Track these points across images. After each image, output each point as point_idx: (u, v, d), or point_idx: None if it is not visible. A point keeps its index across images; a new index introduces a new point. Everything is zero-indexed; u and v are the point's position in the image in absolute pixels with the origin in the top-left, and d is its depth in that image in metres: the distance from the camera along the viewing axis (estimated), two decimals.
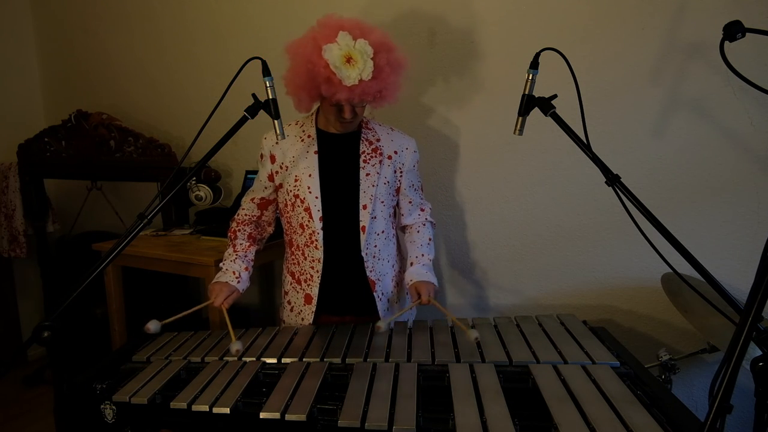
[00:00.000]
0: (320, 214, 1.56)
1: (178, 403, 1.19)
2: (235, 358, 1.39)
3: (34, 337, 1.02)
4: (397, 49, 1.46)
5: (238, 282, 1.59)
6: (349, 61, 1.37)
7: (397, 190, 1.66)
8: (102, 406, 1.25)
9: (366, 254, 1.60)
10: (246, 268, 1.63)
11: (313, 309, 1.61)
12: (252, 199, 1.70)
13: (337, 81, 1.38)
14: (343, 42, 1.36)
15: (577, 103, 1.25)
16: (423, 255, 1.66)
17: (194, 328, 1.63)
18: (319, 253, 1.58)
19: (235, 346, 1.35)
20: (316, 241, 1.57)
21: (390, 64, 1.43)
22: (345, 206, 1.58)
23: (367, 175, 1.57)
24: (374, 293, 1.62)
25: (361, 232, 1.57)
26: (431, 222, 1.75)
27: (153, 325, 1.40)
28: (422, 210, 1.73)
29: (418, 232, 1.71)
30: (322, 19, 1.44)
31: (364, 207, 1.57)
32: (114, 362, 1.44)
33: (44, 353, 3.13)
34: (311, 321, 1.62)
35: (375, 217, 1.59)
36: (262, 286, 2.66)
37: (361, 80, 1.38)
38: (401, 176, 1.64)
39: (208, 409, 1.17)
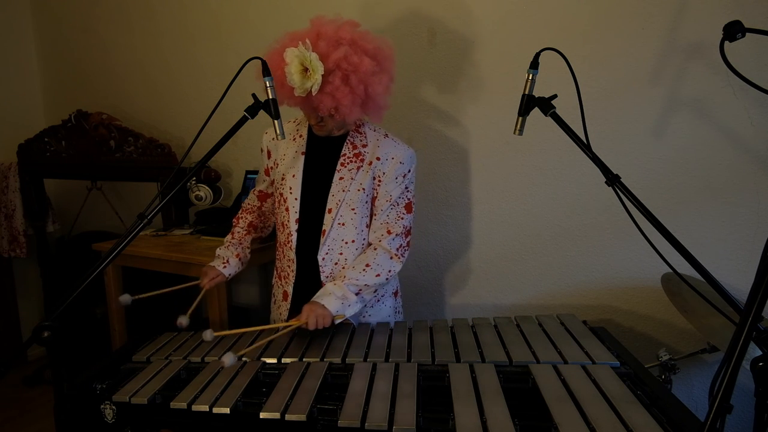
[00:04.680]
0: (297, 216, 1.56)
1: (178, 403, 1.19)
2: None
3: (34, 337, 1.02)
4: (371, 72, 1.36)
5: (224, 268, 1.64)
6: (307, 71, 1.32)
7: (374, 200, 1.56)
8: (102, 406, 1.26)
9: (324, 259, 1.54)
10: (237, 255, 1.67)
11: (288, 306, 1.62)
12: (253, 190, 1.76)
13: (289, 87, 1.35)
14: (302, 50, 1.31)
15: (577, 103, 1.25)
16: (345, 277, 1.47)
17: (194, 329, 1.63)
18: (293, 254, 1.58)
19: (182, 320, 1.49)
20: (291, 242, 1.57)
21: (349, 84, 1.34)
22: (317, 210, 1.55)
23: (341, 179, 1.52)
24: None
25: (321, 236, 1.53)
26: (387, 251, 1.52)
27: (123, 298, 1.50)
28: (388, 232, 1.53)
29: (364, 251, 1.55)
30: (313, 18, 1.40)
31: (329, 211, 1.53)
32: (114, 362, 1.44)
33: (44, 353, 3.13)
34: (287, 318, 1.62)
35: (343, 224, 1.53)
36: (262, 286, 2.66)
37: (310, 93, 1.33)
38: (378, 185, 1.54)
39: (208, 409, 1.17)
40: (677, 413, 1.08)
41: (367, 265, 1.50)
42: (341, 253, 1.56)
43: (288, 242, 1.58)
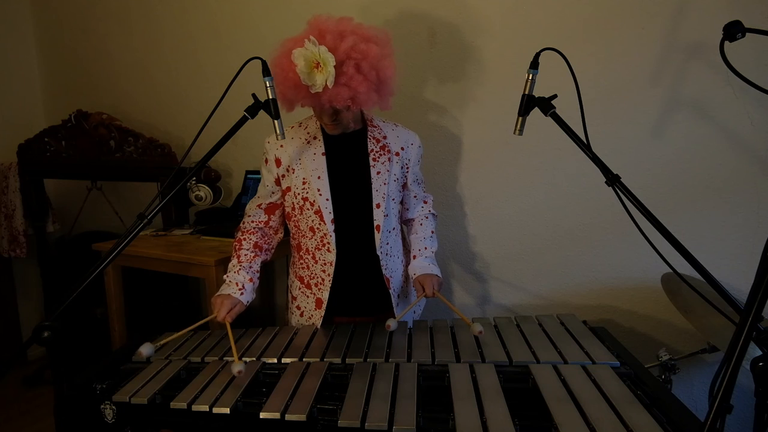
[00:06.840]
0: (332, 216, 1.54)
1: (178, 403, 1.19)
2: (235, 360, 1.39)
3: (34, 337, 1.02)
4: (379, 57, 1.38)
5: (242, 294, 1.51)
6: (318, 67, 1.33)
7: (404, 186, 1.67)
8: (102, 406, 1.25)
9: (381, 253, 1.59)
10: (250, 279, 1.55)
11: (323, 313, 1.60)
12: (258, 205, 1.65)
13: (304, 87, 1.35)
14: (309, 47, 1.32)
15: (577, 103, 1.25)
16: (426, 248, 1.67)
17: (194, 329, 1.63)
18: (332, 256, 1.56)
19: (237, 367, 1.23)
20: (329, 243, 1.55)
21: (362, 72, 1.35)
22: (357, 206, 1.56)
23: (378, 173, 1.57)
24: (390, 290, 1.63)
25: (376, 231, 1.57)
26: (433, 214, 1.76)
27: (146, 350, 1.31)
28: (425, 202, 1.76)
29: (421, 224, 1.73)
30: (310, 20, 1.41)
31: (378, 206, 1.56)
32: (114, 362, 1.44)
33: (44, 353, 3.13)
34: (319, 323, 1.60)
35: (387, 215, 1.59)
36: (262, 286, 2.66)
37: (326, 87, 1.33)
38: (407, 172, 1.65)
39: (208, 409, 1.17)
40: (677, 413, 1.08)
41: (432, 232, 1.72)
42: (388, 243, 1.63)
43: (324, 245, 1.56)
